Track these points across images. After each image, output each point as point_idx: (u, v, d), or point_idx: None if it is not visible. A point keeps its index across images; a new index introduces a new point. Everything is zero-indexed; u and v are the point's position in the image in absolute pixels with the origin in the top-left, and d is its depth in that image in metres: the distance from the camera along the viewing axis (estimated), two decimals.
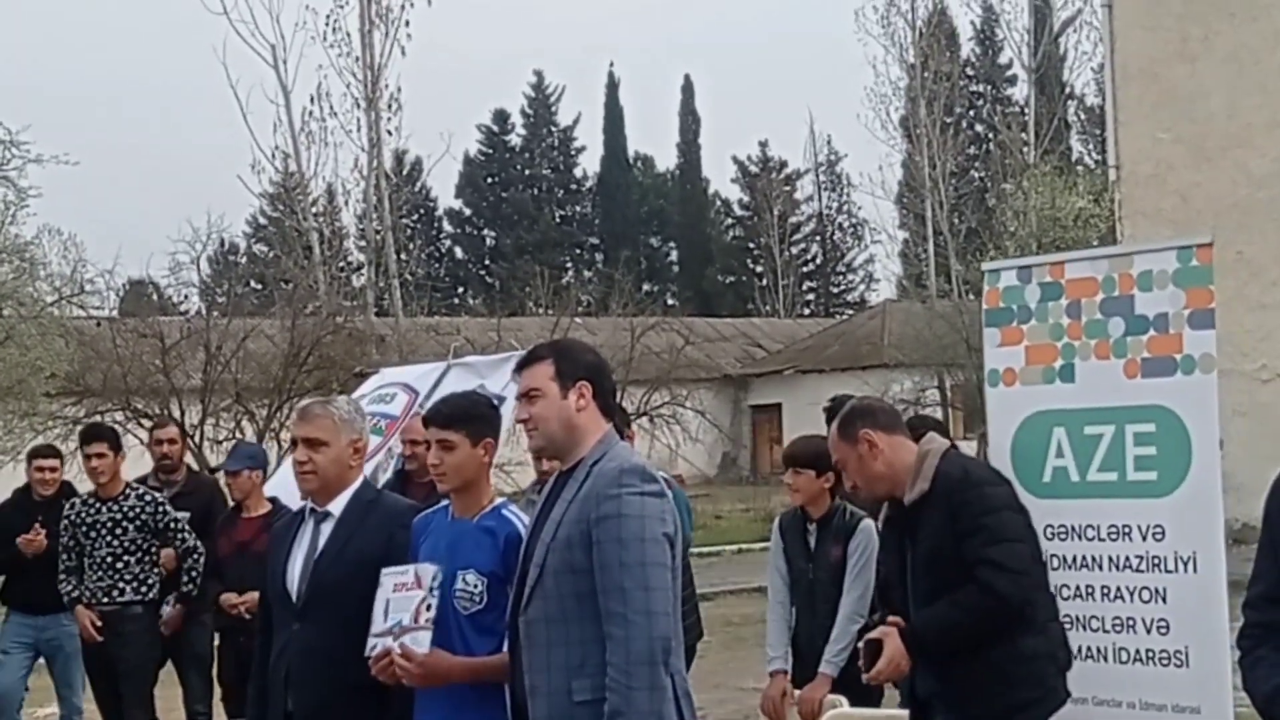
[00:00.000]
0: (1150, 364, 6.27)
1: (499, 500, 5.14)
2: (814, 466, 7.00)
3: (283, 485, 9.47)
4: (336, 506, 5.36)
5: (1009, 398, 6.66)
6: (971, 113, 62.32)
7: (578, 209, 74.68)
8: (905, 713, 6.53)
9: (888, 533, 5.71)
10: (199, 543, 9.23)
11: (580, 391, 4.62)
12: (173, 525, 9.17)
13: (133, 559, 8.99)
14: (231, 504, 9.28)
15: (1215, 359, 6.18)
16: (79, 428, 14.49)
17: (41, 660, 9.92)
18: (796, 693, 6.94)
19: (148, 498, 9.16)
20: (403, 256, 44.83)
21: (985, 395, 6.86)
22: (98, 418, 23.08)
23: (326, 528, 5.36)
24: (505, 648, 4.69)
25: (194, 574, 9.19)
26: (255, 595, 7.91)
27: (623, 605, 4.30)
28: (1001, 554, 5.27)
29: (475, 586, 4.90)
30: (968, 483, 5.39)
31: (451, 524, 5.07)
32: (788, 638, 7.10)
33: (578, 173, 74.64)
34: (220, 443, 24.55)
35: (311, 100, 42.55)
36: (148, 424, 25.52)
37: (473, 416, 5.10)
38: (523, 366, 4.74)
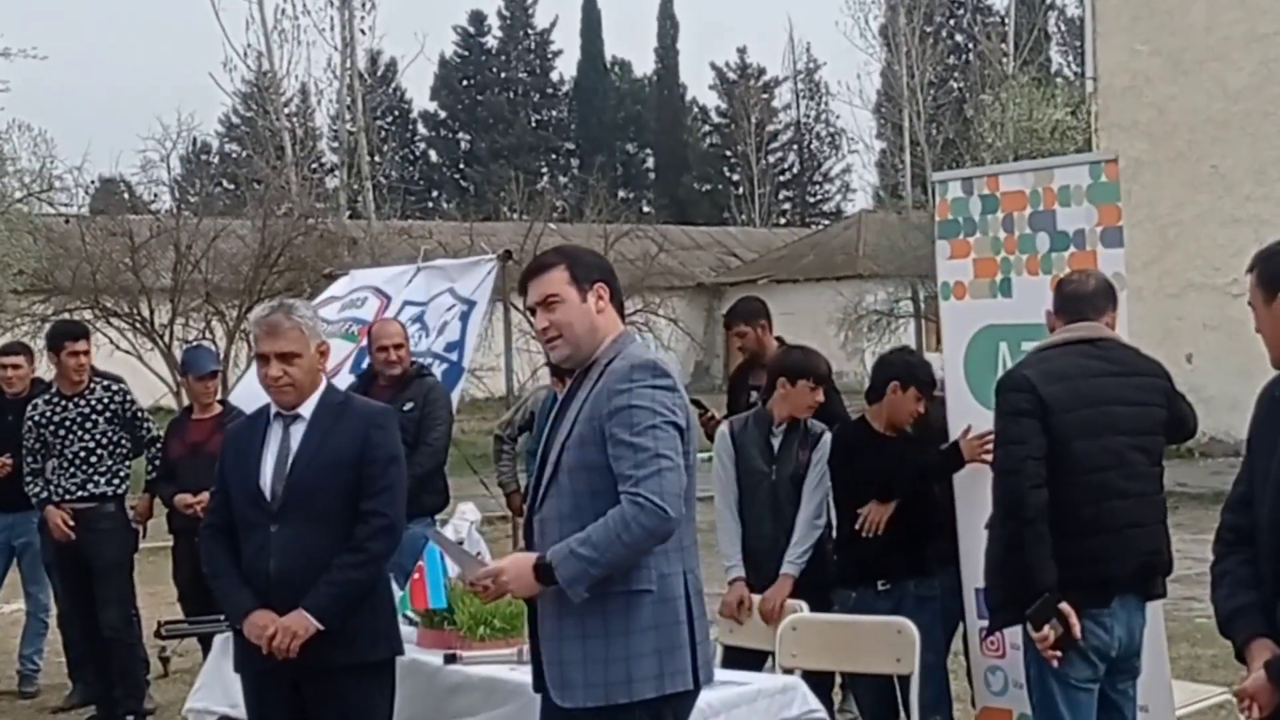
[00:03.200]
0: None
1: None
2: (805, 376, 7.09)
3: (250, 396, 9.41)
4: (306, 409, 5.36)
5: (960, 311, 6.74)
6: (951, 22, 61.94)
7: (554, 113, 74.20)
8: (860, 618, 6.62)
9: None
10: (160, 432, 9.19)
11: (598, 293, 4.58)
12: (139, 414, 9.11)
13: (105, 452, 8.87)
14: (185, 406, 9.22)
15: (1126, 278, 6.18)
16: (47, 325, 14.38)
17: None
18: (755, 598, 7.00)
19: (114, 388, 9.04)
20: (376, 158, 44.53)
21: (940, 309, 6.91)
22: (66, 315, 22.98)
23: (297, 430, 5.35)
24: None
25: (157, 462, 9.14)
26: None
27: (635, 488, 4.32)
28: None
29: None
30: (997, 388, 5.52)
31: None
32: (739, 544, 7.15)
33: (554, 77, 74.13)
34: (189, 342, 24.43)
35: None
36: (117, 322, 25.53)
37: None
38: (533, 275, 4.62)
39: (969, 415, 6.60)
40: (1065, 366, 5.43)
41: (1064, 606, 5.21)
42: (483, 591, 4.52)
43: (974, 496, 6.48)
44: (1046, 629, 5.20)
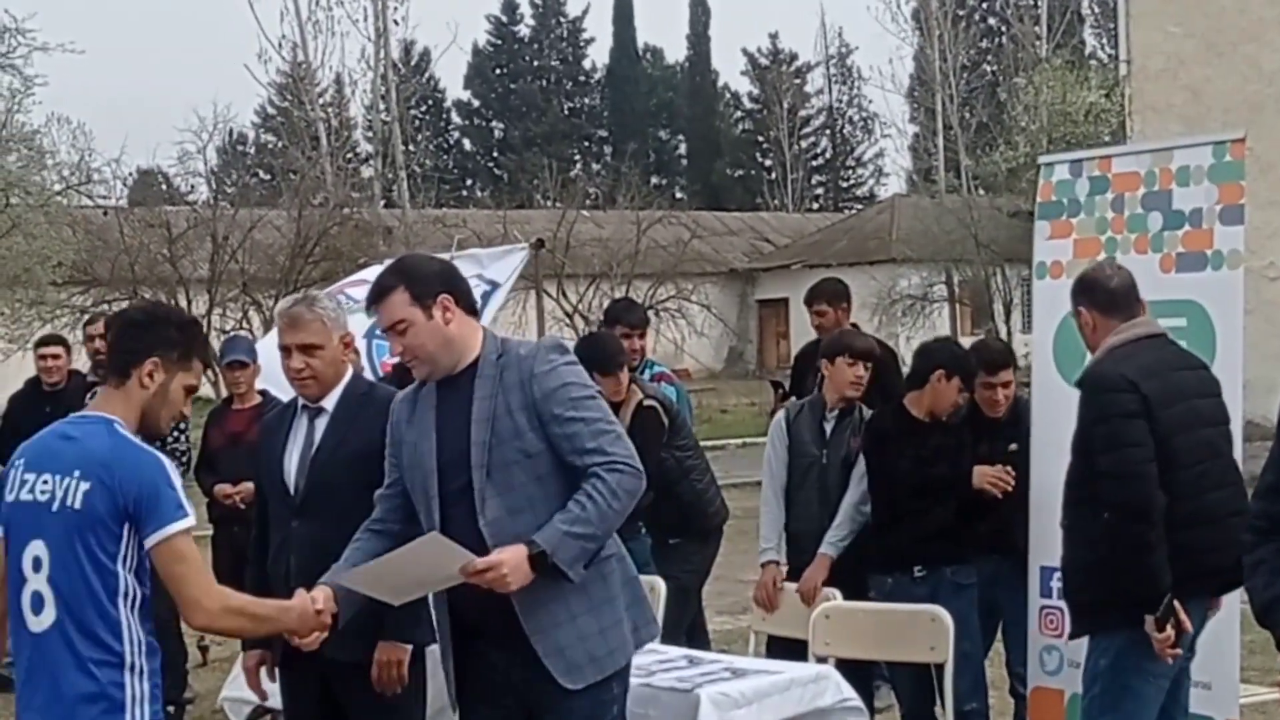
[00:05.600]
0: (1184, 259, 6.37)
1: None
2: (840, 352, 7.13)
3: (271, 376, 9.43)
4: (330, 402, 5.32)
5: (1056, 290, 6.74)
6: (984, 5, 61.58)
7: (586, 101, 74.19)
8: (894, 605, 6.62)
9: None
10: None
11: (443, 305, 4.52)
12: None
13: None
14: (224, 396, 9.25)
15: (1242, 254, 6.22)
16: (86, 317, 14.47)
17: None
18: (789, 585, 7.00)
19: None
20: (410, 148, 44.68)
21: (1033, 288, 7.04)
22: (105, 307, 23.13)
23: (321, 423, 5.32)
24: None
25: None
26: (250, 485, 7.92)
27: (605, 456, 4.39)
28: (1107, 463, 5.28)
29: None
30: (1085, 385, 5.41)
31: None
32: (781, 530, 7.18)
33: (586, 64, 74.13)
34: (226, 332, 24.58)
35: None
36: None
37: None
38: (374, 301, 4.58)
39: (1052, 390, 6.60)
40: (1152, 362, 5.36)
41: (1177, 604, 5.18)
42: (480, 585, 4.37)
43: (1047, 477, 6.41)
44: (1169, 628, 5.16)
